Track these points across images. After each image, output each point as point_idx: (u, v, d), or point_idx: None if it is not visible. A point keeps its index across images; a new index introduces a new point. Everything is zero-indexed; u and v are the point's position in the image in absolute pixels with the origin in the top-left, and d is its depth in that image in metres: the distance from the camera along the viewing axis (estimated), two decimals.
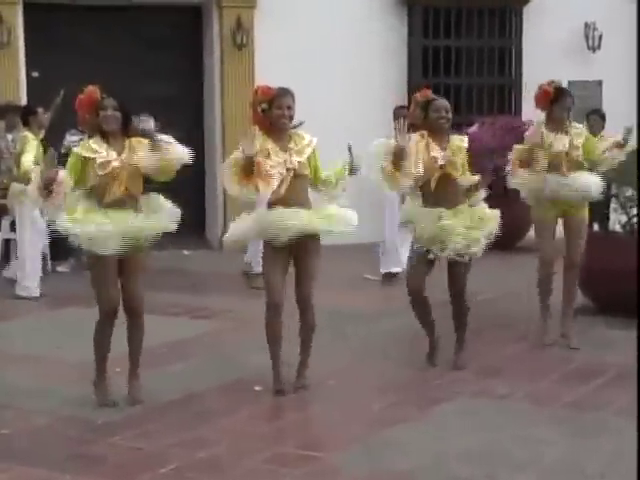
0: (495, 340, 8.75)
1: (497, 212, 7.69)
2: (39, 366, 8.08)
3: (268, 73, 12.22)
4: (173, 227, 6.88)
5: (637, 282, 8.72)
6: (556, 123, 8.40)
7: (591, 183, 8.34)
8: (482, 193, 7.72)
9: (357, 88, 14.92)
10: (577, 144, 8.38)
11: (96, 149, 6.69)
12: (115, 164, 6.67)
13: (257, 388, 7.27)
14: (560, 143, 8.35)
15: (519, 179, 8.51)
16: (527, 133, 8.67)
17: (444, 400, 7.04)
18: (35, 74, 14.47)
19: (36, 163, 9.61)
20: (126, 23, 14.90)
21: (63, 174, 6.60)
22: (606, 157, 8.51)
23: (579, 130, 8.54)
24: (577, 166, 8.37)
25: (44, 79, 14.27)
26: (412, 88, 15.01)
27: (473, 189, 7.65)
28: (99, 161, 6.65)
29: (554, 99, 8.36)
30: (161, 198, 6.93)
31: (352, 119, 14.10)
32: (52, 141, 10.86)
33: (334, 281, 10.77)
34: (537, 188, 8.39)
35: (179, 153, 6.86)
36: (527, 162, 8.44)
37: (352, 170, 7.16)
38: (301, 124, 7.13)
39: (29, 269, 10.93)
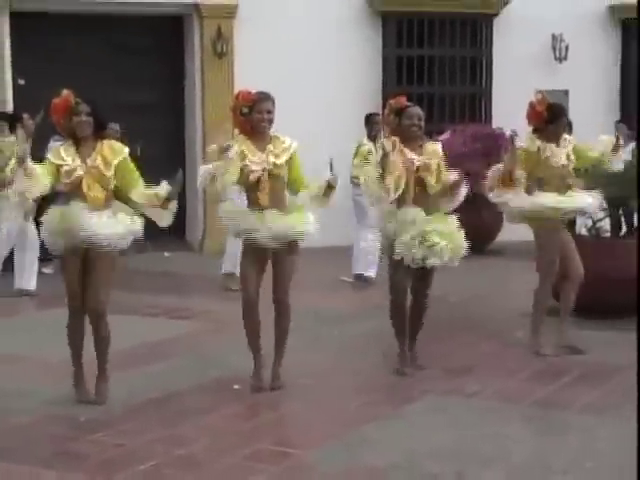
0: (465, 340, 8.78)
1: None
2: (22, 366, 8.05)
3: (247, 80, 12.16)
4: (127, 240, 6.80)
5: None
6: (551, 137, 8.22)
7: (588, 202, 8.24)
8: (463, 191, 7.61)
9: (333, 95, 14.92)
10: (571, 158, 8.24)
11: (63, 157, 6.72)
12: (79, 172, 6.68)
13: (236, 387, 7.27)
14: (558, 157, 8.17)
15: (501, 198, 8.27)
16: (519, 144, 8.23)
17: (416, 399, 7.06)
18: (21, 81, 14.42)
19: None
20: (109, 32, 14.87)
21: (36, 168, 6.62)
22: (605, 158, 8.44)
23: (569, 140, 8.35)
24: (569, 179, 8.24)
25: (30, 86, 14.22)
26: (386, 96, 15.02)
27: (454, 187, 7.55)
28: (64, 169, 6.69)
29: (549, 120, 8.16)
30: (126, 211, 6.86)
31: (328, 124, 14.16)
32: (37, 147, 10.82)
33: (311, 283, 10.78)
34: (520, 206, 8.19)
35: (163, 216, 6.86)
36: (508, 178, 8.13)
37: (334, 183, 7.09)
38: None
39: None
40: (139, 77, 14.99)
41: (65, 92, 6.80)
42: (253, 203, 7.06)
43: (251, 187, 7.05)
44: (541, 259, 8.24)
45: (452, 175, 7.59)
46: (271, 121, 7.09)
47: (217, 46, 14.86)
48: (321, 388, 7.37)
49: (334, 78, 15.12)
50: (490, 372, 7.79)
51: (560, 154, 8.17)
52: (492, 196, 8.36)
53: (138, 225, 6.82)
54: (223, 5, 14.90)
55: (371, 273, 11.71)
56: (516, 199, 8.16)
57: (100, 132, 6.83)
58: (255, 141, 7.06)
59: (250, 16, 14.83)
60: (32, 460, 5.87)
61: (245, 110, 7.05)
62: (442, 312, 7.79)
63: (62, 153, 6.75)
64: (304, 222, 7.06)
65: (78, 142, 6.78)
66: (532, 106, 8.22)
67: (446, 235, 7.38)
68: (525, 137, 8.34)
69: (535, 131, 8.24)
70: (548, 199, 8.10)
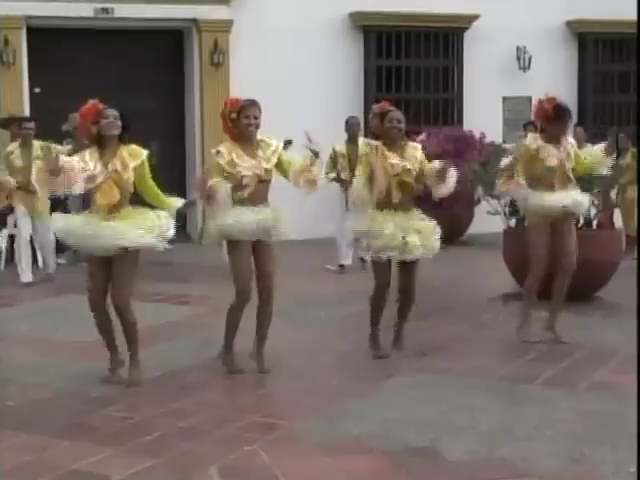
0: (438, 322, 8.80)
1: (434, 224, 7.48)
2: (41, 346, 8.05)
3: (241, 88, 12.22)
4: (138, 243, 6.61)
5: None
6: (551, 138, 7.87)
7: (579, 201, 7.96)
8: (453, 176, 7.39)
9: (319, 102, 14.98)
10: (570, 158, 7.89)
11: (87, 162, 6.59)
12: (99, 180, 6.58)
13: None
14: (555, 157, 7.82)
15: (520, 195, 8.02)
16: (527, 142, 7.99)
17: (393, 375, 7.06)
18: (37, 90, 14.40)
19: None
20: (117, 45, 14.88)
21: (68, 159, 6.54)
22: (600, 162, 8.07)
23: (571, 143, 8.05)
24: (567, 180, 7.90)
25: (45, 95, 14.20)
26: (368, 103, 15.13)
27: (441, 173, 7.33)
28: (86, 175, 6.56)
29: (553, 118, 7.84)
30: (148, 215, 6.74)
31: (314, 128, 14.09)
32: None
33: (297, 271, 10.80)
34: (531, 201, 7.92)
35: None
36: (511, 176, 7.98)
37: (315, 153, 7.00)
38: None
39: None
40: (144, 85, 14.99)
41: (92, 100, 6.69)
42: (238, 201, 6.91)
43: (237, 188, 6.91)
44: (530, 254, 8.01)
45: (436, 163, 7.42)
46: (257, 126, 6.97)
47: (214, 57, 14.87)
48: (307, 366, 7.38)
49: (320, 86, 15.22)
50: (459, 351, 7.80)
51: (558, 155, 7.84)
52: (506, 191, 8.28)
53: (167, 225, 6.74)
54: (219, 20, 14.93)
55: (348, 261, 11.72)
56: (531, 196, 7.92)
57: (125, 136, 6.72)
58: (243, 145, 6.95)
59: (244, 30, 14.87)
60: (47, 431, 5.86)
61: (233, 116, 7.01)
62: (416, 297, 7.75)
63: (87, 157, 6.62)
64: (283, 217, 7.03)
65: (102, 148, 6.65)
66: (540, 102, 7.97)
67: (421, 233, 7.33)
68: (530, 135, 8.19)
69: (541, 131, 7.99)
70: (535, 197, 7.88)
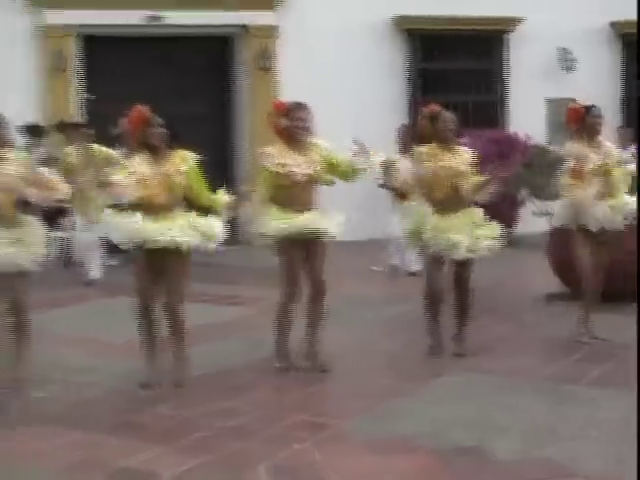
0: (484, 323, 8.71)
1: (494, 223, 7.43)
2: (91, 346, 8.11)
3: (288, 92, 12.22)
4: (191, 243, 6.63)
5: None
6: (587, 140, 7.68)
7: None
8: (492, 189, 7.37)
9: (363, 104, 14.96)
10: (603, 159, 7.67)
11: (137, 166, 6.64)
12: (150, 183, 6.60)
13: (277, 365, 7.23)
14: (595, 157, 7.63)
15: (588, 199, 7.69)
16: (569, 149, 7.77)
17: (441, 375, 7.03)
18: (90, 96, 14.50)
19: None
20: (166, 51, 14.94)
21: (119, 177, 6.60)
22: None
23: (610, 147, 7.84)
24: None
25: (96, 100, 14.31)
26: (410, 105, 15.13)
27: (483, 186, 7.34)
28: (136, 178, 6.60)
29: (583, 118, 7.68)
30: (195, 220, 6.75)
31: (359, 131, 14.05)
32: None
33: (344, 272, 10.76)
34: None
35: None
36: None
37: (363, 157, 7.02)
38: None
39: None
40: (193, 90, 15.04)
41: (140, 107, 6.72)
42: (286, 203, 6.95)
43: (287, 188, 6.95)
44: (577, 265, 7.88)
45: (482, 177, 7.40)
46: (307, 129, 6.98)
47: (261, 62, 14.90)
48: (354, 366, 7.36)
49: (365, 88, 15.21)
50: (504, 351, 7.74)
51: (597, 156, 7.64)
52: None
53: (218, 228, 6.76)
54: (267, 26, 14.96)
55: (397, 262, 11.66)
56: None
57: (173, 142, 6.74)
58: (293, 147, 6.95)
59: (290, 35, 14.87)
60: (99, 429, 5.90)
61: (281, 118, 7.01)
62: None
63: (137, 162, 6.66)
64: (328, 219, 7.00)
65: (152, 152, 6.69)
66: (569, 107, 7.85)
67: (474, 232, 7.29)
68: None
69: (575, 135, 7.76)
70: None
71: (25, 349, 6.78)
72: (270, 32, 14.97)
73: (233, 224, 6.96)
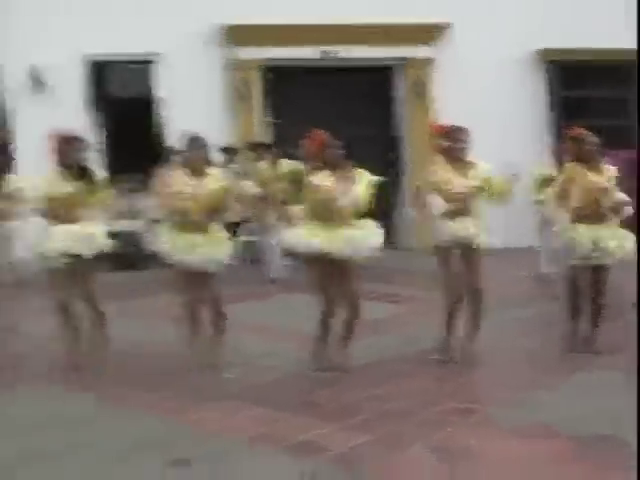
0: (621, 324, 8.47)
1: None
2: (271, 334, 8.28)
3: (443, 117, 12.19)
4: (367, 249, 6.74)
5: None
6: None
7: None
8: (629, 210, 7.31)
9: (509, 129, 14.78)
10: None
11: (320, 182, 6.73)
12: (332, 195, 6.69)
13: (433, 357, 7.25)
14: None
15: None
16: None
17: (578, 370, 6.89)
18: (272, 120, 14.79)
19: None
20: (338, 81, 15.10)
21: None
22: None
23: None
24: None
25: (279, 124, 14.58)
26: (554, 130, 14.88)
27: (620, 207, 7.26)
28: (322, 189, 6.71)
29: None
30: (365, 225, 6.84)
31: (505, 154, 13.87)
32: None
33: (494, 276, 10.62)
34: None
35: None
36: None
37: (513, 177, 7.04)
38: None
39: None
40: (360, 115, 15.15)
41: (319, 131, 6.81)
42: (448, 214, 6.95)
43: (449, 202, 6.93)
44: None
45: (620, 195, 7.32)
46: (465, 149, 7.00)
47: (418, 90, 14.91)
48: (499, 361, 7.30)
49: (511, 114, 15.03)
50: None
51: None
52: None
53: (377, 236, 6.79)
54: (423, 58, 14.94)
55: (549, 270, 11.35)
56: None
57: (347, 161, 6.81)
58: (454, 165, 6.99)
59: (444, 66, 14.84)
60: (278, 406, 6.04)
61: (441, 140, 7.03)
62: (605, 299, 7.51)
63: (320, 176, 6.76)
64: (485, 227, 7.01)
65: (331, 170, 6.76)
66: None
67: (616, 239, 7.17)
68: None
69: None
70: None
71: (220, 337, 7.01)
72: (427, 64, 14.97)
73: (392, 231, 6.99)
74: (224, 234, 7.01)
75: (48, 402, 6.32)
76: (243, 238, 12.16)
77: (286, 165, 11.05)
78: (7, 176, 10.25)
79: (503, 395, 6.27)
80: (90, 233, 6.94)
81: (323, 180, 6.73)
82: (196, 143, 6.94)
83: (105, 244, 7.03)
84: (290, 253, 7.41)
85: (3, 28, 13.75)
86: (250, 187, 10.74)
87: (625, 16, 14.98)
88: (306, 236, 6.67)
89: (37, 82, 13.94)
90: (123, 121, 14.46)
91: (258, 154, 11.95)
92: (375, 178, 6.89)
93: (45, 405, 6.24)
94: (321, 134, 6.80)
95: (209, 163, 7.12)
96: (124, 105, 14.64)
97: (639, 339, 6.99)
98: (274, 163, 11.53)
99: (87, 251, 6.92)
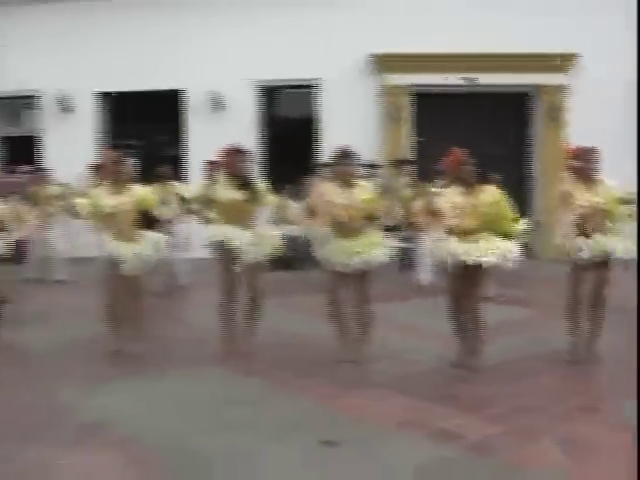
0: None
1: None
2: (416, 332, 8.20)
3: (576, 138, 11.82)
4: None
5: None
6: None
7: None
8: None
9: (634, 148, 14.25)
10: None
11: (452, 198, 6.64)
12: (463, 211, 6.59)
13: (562, 357, 7.03)
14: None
15: None
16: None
17: None
18: (419, 139, 14.74)
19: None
20: (477, 104, 14.90)
21: (440, 205, 6.67)
22: None
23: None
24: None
25: (424, 143, 14.52)
26: None
27: None
28: (451, 207, 6.62)
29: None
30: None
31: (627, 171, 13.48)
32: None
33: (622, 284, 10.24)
34: None
35: None
36: None
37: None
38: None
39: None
40: (497, 136, 14.92)
41: (456, 149, 6.73)
42: (580, 229, 6.76)
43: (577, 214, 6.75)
44: None
45: None
46: (596, 169, 6.77)
47: (552, 114, 14.51)
48: (625, 361, 6.97)
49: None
50: None
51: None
52: None
53: (514, 249, 6.62)
54: (558, 86, 14.53)
55: None
56: None
57: (481, 179, 6.71)
58: (585, 182, 6.78)
59: (574, 91, 14.39)
60: (421, 397, 6.02)
61: (574, 160, 6.82)
62: None
63: (453, 193, 6.69)
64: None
65: (464, 186, 6.68)
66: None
67: None
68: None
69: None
70: None
71: (368, 332, 7.00)
72: (560, 90, 14.55)
73: (524, 242, 6.80)
74: (381, 237, 6.96)
75: (221, 382, 6.48)
76: (396, 244, 12.09)
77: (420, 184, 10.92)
78: (175, 183, 10.61)
79: (627, 394, 6.02)
80: (270, 236, 7.08)
81: (453, 197, 6.62)
82: (346, 157, 6.92)
83: (281, 247, 7.16)
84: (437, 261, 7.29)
85: (186, 58, 14.36)
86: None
87: None
88: (453, 248, 6.57)
89: (215, 104, 14.46)
90: (286, 138, 14.82)
91: (400, 170, 11.86)
92: (501, 192, 6.72)
93: (218, 385, 6.41)
94: (458, 152, 6.72)
95: (357, 176, 7.05)
96: (288, 125, 14.99)
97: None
98: (413, 179, 11.36)
99: (265, 253, 7.04)
